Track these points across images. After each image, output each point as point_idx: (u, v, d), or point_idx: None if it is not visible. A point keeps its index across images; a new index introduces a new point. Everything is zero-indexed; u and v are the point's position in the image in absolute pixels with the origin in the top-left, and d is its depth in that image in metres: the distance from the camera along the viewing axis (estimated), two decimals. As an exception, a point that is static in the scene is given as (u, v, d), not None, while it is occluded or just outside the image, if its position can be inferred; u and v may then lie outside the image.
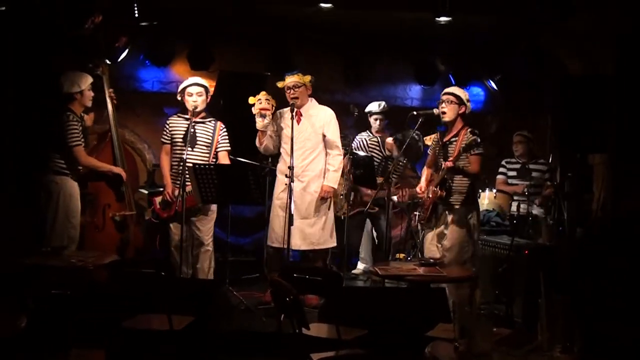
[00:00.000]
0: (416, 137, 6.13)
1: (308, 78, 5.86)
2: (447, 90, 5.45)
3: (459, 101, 5.33)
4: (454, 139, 5.34)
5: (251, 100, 5.77)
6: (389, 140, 6.72)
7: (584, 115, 4.94)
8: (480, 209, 6.46)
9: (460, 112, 5.34)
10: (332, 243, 5.99)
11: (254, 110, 5.75)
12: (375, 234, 6.94)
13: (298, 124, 5.80)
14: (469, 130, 5.31)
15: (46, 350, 3.41)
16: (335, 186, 5.96)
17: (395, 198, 6.54)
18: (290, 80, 5.82)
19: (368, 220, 6.89)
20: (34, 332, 3.35)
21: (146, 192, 6.53)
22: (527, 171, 6.91)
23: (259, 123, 5.77)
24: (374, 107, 6.92)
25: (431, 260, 4.96)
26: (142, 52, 7.29)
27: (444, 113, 5.33)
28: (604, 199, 5.50)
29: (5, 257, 4.90)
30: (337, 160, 5.93)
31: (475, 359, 3.06)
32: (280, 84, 5.86)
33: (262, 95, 5.76)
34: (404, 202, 6.65)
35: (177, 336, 3.97)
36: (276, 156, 6.13)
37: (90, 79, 5.75)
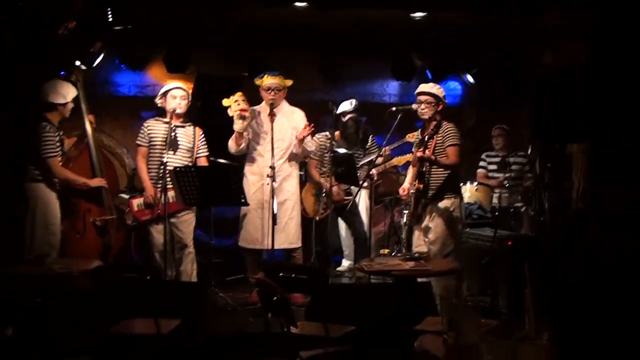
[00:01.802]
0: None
1: (289, 82, 5.84)
2: (423, 89, 5.41)
3: (437, 100, 5.36)
4: (433, 133, 5.37)
5: (225, 102, 5.67)
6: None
7: (558, 107, 5.00)
8: (463, 202, 6.52)
9: (439, 109, 5.38)
10: (300, 242, 6.01)
11: (231, 112, 5.67)
12: (350, 231, 6.87)
13: (272, 124, 5.77)
14: (444, 123, 5.35)
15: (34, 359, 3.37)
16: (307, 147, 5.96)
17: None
18: (273, 81, 5.78)
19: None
20: (20, 341, 3.31)
21: (127, 196, 6.46)
22: (507, 164, 6.97)
23: (239, 125, 5.69)
24: (346, 106, 6.77)
25: (416, 254, 4.98)
26: (117, 57, 7.23)
27: (423, 113, 5.36)
28: (583, 187, 5.57)
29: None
30: None
31: (463, 351, 3.08)
32: (259, 82, 5.83)
33: (239, 96, 5.67)
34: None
35: (165, 339, 3.95)
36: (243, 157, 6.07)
37: (75, 91, 5.68)
